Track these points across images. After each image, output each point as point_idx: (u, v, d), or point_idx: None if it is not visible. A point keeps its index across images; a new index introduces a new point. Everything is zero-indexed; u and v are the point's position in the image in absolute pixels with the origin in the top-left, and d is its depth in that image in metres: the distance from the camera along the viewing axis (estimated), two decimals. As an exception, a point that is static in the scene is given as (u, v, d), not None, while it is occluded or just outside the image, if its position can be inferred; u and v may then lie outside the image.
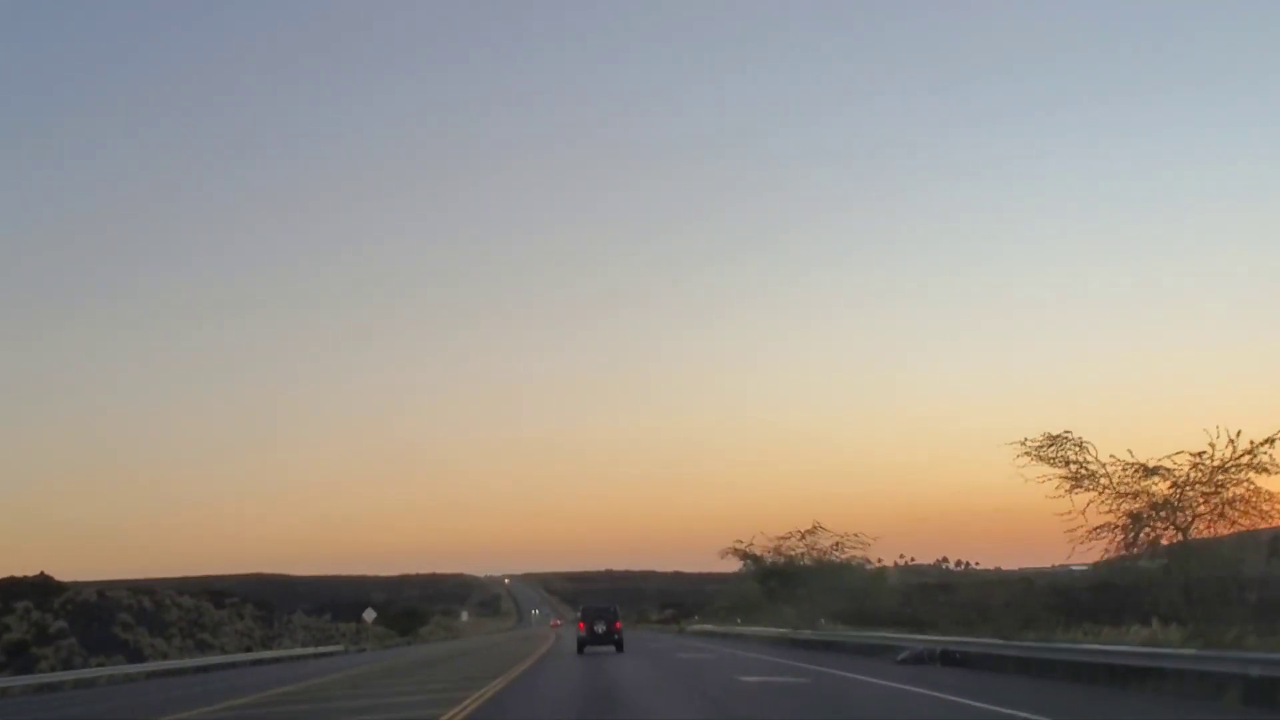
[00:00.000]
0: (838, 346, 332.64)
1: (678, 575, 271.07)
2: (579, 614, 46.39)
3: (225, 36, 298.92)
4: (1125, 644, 21.53)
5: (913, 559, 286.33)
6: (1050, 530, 22.34)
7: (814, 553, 50.22)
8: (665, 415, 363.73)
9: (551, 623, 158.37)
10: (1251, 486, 20.55)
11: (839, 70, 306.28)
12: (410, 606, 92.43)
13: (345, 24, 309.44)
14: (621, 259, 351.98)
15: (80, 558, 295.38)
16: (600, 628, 42.96)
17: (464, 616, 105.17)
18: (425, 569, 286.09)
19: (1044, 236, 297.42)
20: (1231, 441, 20.41)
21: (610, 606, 46.85)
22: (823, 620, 49.86)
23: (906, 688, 21.12)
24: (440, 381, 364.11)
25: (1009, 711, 15.98)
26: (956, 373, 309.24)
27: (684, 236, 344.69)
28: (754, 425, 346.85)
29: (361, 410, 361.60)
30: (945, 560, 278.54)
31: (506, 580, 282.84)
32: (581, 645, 43.06)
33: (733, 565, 59.28)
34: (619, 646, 42.90)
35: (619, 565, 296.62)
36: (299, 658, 60.63)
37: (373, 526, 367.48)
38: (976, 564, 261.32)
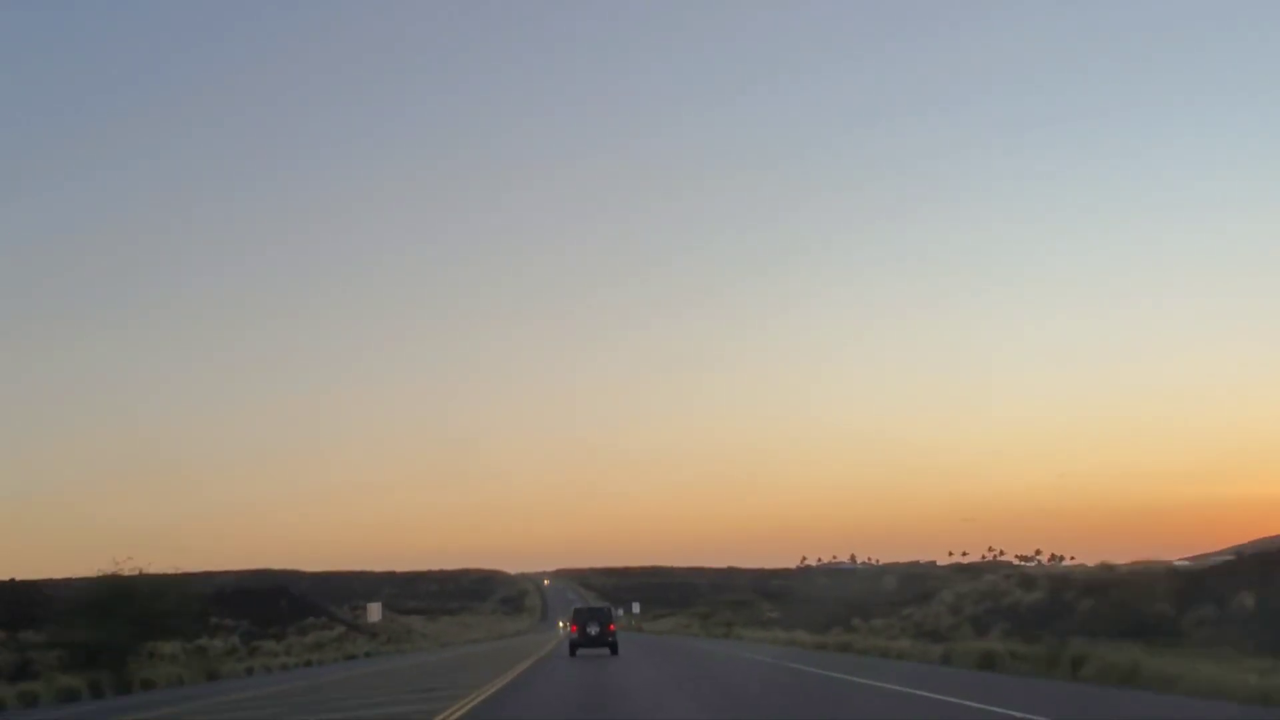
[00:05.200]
0: (887, 349, 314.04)
1: (731, 570, 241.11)
2: (571, 616, 45.26)
3: (274, 40, 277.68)
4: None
5: (1000, 553, 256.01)
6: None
7: None
8: (717, 417, 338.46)
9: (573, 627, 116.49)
10: None
11: (904, 75, 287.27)
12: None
13: (401, 21, 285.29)
14: (668, 264, 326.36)
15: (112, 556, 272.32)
16: (593, 629, 41.12)
17: (374, 614, 62.04)
18: (464, 566, 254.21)
19: (1115, 239, 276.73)
20: None
21: (604, 607, 49.32)
22: None
23: None
24: (486, 383, 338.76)
25: None
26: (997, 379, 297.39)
27: (733, 242, 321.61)
28: (806, 427, 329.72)
29: (408, 413, 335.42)
30: (1039, 553, 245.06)
31: (546, 581, 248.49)
32: (574, 648, 41.22)
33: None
34: (613, 649, 40.70)
35: (665, 562, 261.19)
36: None
37: (415, 527, 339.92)
38: (1072, 558, 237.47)
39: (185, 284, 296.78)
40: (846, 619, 47.23)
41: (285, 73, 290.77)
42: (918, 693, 17.53)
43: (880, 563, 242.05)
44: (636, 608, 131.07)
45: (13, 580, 56.90)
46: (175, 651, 38.91)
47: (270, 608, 65.36)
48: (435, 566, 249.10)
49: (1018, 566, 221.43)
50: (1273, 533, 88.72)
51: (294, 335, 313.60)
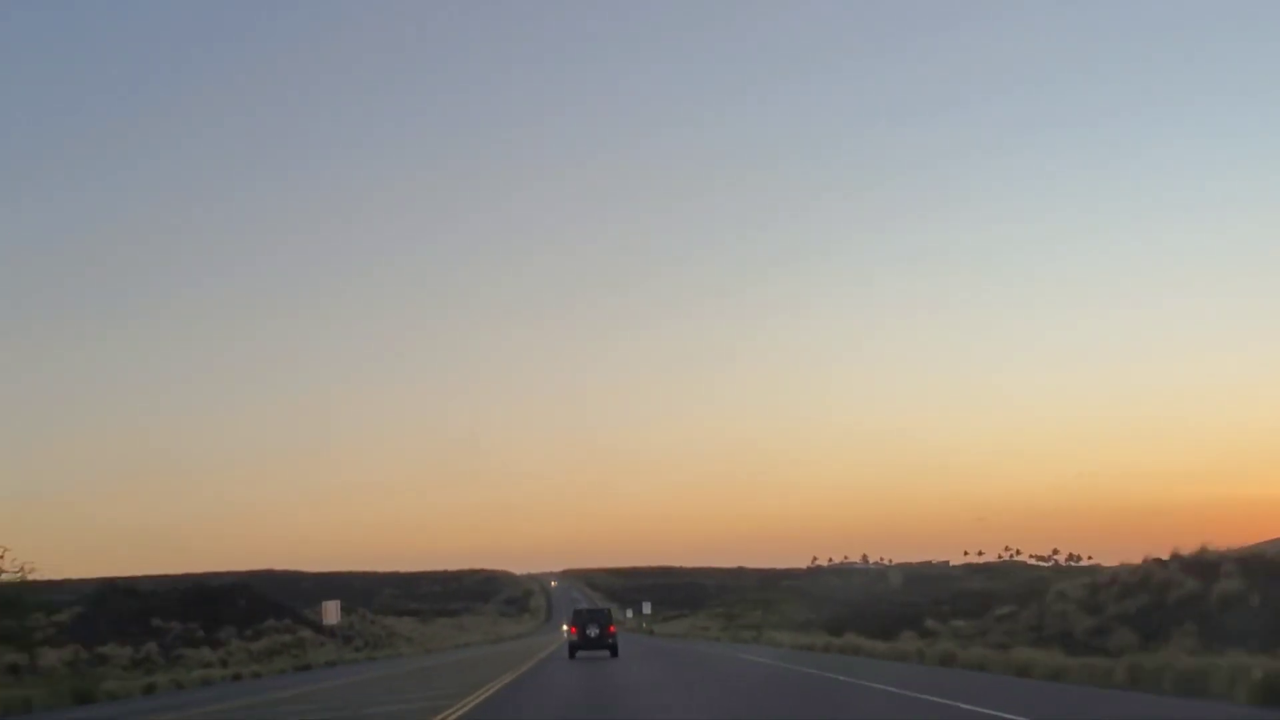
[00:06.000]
0: (897, 349, 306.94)
1: (740, 570, 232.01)
2: (570, 618, 44.02)
3: (277, 43, 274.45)
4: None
5: (1017, 552, 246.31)
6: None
7: None
8: (726, 416, 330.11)
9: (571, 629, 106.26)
10: None
11: (913, 77, 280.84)
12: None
13: (408, 22, 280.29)
14: (676, 264, 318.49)
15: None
16: (593, 631, 39.59)
17: (331, 615, 48.29)
18: (469, 566, 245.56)
19: (1127, 238, 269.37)
20: None
21: (604, 609, 47.12)
22: None
23: None
24: (494, 383, 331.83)
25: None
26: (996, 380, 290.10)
27: (743, 242, 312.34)
28: (816, 426, 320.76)
29: (416, 412, 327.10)
30: (1057, 553, 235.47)
31: (553, 583, 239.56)
32: (573, 650, 39.75)
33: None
34: (613, 651, 39.17)
35: (673, 562, 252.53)
36: None
37: (420, 527, 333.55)
38: (1089, 558, 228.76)
39: (187, 285, 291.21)
40: (913, 620, 37.60)
41: (289, 75, 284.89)
42: None
43: (891, 563, 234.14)
44: (647, 608, 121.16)
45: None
46: (55, 664, 29.72)
47: (227, 609, 56.05)
48: (440, 567, 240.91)
49: (1036, 565, 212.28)
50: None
51: (300, 336, 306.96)
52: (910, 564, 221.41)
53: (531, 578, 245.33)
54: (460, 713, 17.20)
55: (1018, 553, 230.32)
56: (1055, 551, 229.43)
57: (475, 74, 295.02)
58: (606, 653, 39.33)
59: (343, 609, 76.86)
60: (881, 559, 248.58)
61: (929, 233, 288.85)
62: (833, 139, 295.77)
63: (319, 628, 56.41)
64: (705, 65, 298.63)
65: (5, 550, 28.23)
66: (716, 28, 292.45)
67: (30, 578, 28.88)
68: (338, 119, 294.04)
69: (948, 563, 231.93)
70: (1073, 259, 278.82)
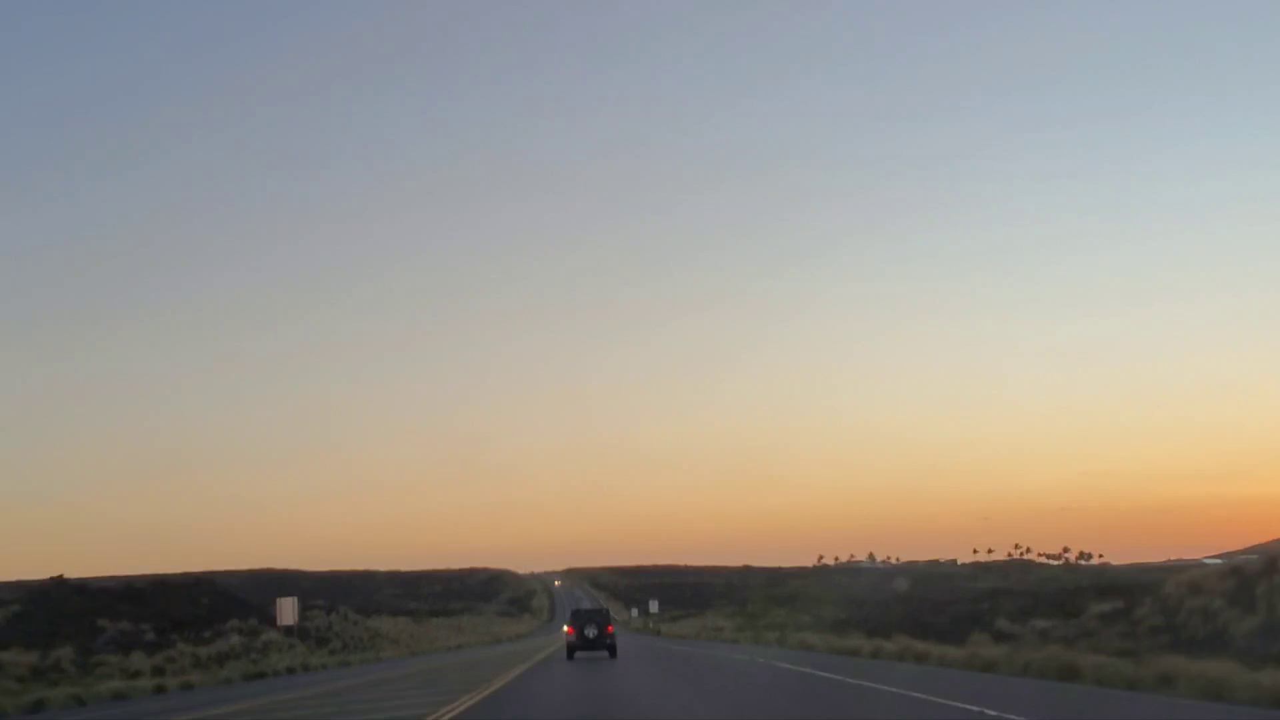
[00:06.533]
0: (904, 349, 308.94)
1: (747, 569, 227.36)
2: (568, 618, 42.61)
3: (287, 43, 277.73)
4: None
5: (1026, 550, 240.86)
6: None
7: None
8: (731, 415, 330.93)
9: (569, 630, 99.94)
10: None
11: (916, 76, 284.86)
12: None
13: (417, 24, 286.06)
14: (682, 264, 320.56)
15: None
16: (591, 632, 39.42)
17: (286, 614, 42.43)
18: (472, 565, 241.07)
19: (1133, 238, 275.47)
20: None
21: (603, 610, 46.28)
22: None
23: None
24: (500, 382, 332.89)
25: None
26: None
27: (748, 242, 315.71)
28: (821, 426, 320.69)
29: (422, 412, 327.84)
30: (1066, 551, 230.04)
31: (557, 583, 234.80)
32: (571, 650, 39.23)
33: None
34: (612, 652, 39.07)
35: (678, 561, 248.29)
36: None
37: (425, 527, 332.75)
38: (1100, 557, 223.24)
39: (188, 285, 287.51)
40: (980, 619, 31.68)
41: (293, 75, 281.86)
42: None
43: (898, 561, 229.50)
44: (654, 606, 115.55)
45: None
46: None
47: (189, 607, 50.50)
48: (444, 566, 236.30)
49: (1046, 564, 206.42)
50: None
51: (304, 336, 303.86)
52: (917, 562, 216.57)
53: (535, 577, 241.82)
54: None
55: (1027, 551, 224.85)
56: (1065, 549, 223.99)
57: (478, 76, 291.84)
58: (605, 653, 39.13)
59: (325, 609, 71.46)
60: (888, 558, 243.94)
61: (938, 232, 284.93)
62: (833, 139, 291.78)
63: (288, 627, 50.75)
64: (706, 66, 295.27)
65: None
66: (717, 29, 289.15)
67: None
68: (343, 120, 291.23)
69: (955, 561, 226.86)
70: (1073, 259, 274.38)
